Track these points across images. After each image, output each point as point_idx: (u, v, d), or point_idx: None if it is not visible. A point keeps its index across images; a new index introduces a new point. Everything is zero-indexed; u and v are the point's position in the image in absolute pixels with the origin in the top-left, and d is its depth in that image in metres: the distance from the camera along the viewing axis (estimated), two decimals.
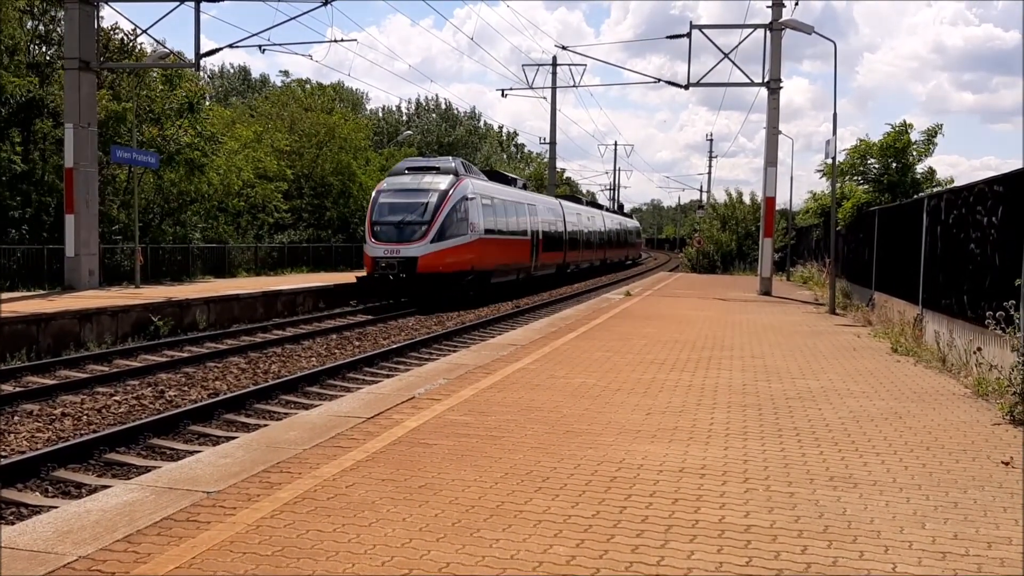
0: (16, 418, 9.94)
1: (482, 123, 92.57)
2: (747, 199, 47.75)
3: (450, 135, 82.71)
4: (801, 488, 5.65)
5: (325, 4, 23.74)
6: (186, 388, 11.90)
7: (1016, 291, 9.07)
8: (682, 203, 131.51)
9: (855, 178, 26.34)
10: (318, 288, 24.73)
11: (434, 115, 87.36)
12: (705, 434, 7.12)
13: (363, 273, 25.48)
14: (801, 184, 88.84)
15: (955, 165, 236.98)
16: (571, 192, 70.46)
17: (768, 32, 25.34)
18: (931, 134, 25.24)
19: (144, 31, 25.28)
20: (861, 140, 26.13)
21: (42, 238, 24.15)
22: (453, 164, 26.93)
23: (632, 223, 72.42)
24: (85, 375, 12.74)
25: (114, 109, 26.22)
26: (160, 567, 4.10)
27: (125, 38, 28.34)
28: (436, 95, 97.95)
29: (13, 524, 5.29)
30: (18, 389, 11.53)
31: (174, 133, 28.20)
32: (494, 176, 33.05)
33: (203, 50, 23.37)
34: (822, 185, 37.13)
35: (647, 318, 17.36)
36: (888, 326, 15.55)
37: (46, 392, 11.31)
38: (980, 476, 6.06)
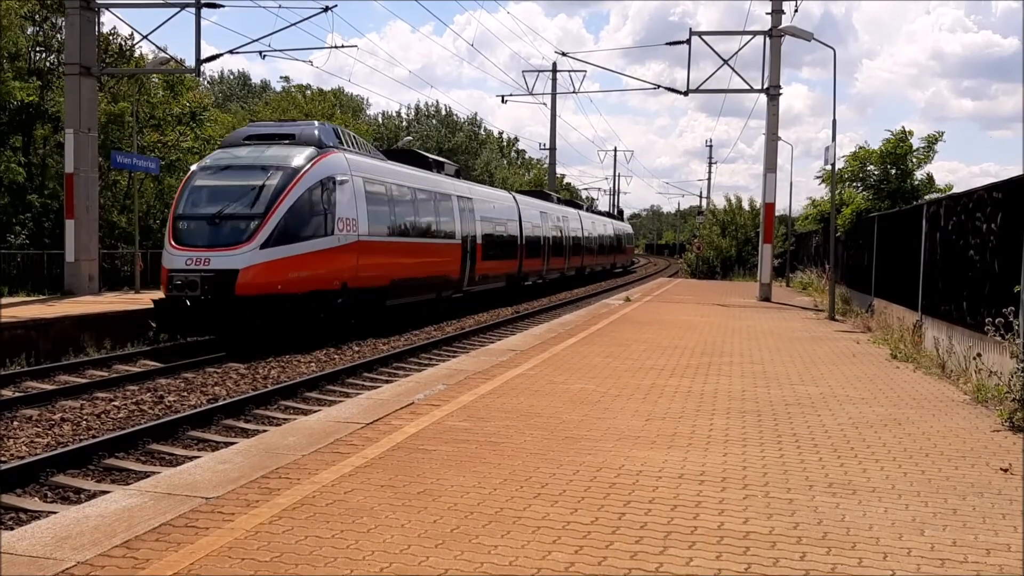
0: (15, 423, 9.94)
1: (482, 129, 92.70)
2: (747, 205, 47.81)
3: (450, 141, 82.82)
4: (800, 494, 5.65)
5: (326, 10, 23.82)
6: (185, 393, 11.90)
7: (1015, 297, 9.08)
8: (682, 209, 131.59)
9: (854, 184, 26.40)
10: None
11: (434, 121, 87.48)
12: (704, 440, 7.12)
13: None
14: (800, 190, 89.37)
15: (954, 171, 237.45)
16: (571, 197, 69.39)
17: (768, 39, 25.39)
18: (931, 141, 25.32)
19: (145, 37, 25.41)
20: (861, 147, 26.22)
21: (42, 243, 24.17)
22: (316, 131, 18.10)
23: (621, 226, 64.02)
24: (84, 380, 12.74)
25: (112, 112, 26.28)
26: (159, 573, 4.10)
27: (124, 44, 28.39)
28: (436, 101, 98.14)
29: (12, 529, 5.29)
30: (18, 394, 11.53)
31: (175, 139, 28.26)
32: (400, 156, 23.87)
33: (204, 56, 23.41)
34: (821, 191, 37.19)
35: (647, 323, 17.37)
36: (887, 332, 15.56)
37: (45, 397, 11.31)
38: (979, 483, 6.06)
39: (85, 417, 10.35)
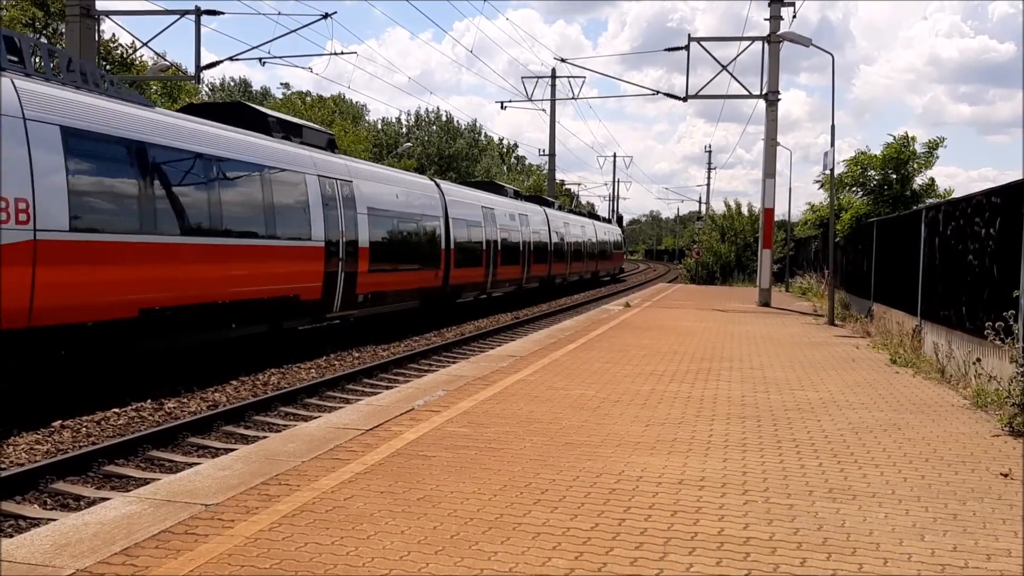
0: (15, 430, 9.92)
1: (483, 136, 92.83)
2: (746, 210, 47.86)
3: (451, 147, 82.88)
4: (800, 500, 5.65)
5: (325, 17, 23.89)
6: (185, 400, 11.89)
7: (1015, 302, 9.09)
8: (681, 214, 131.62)
9: (854, 189, 26.43)
10: None
11: (434, 127, 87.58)
12: (704, 446, 7.12)
13: None
14: (799, 195, 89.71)
15: (952, 176, 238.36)
16: (571, 203, 68.96)
17: (766, 45, 25.44)
18: (933, 146, 25.36)
19: (145, 44, 25.43)
20: (861, 152, 26.25)
21: None
22: None
23: (607, 227, 54.49)
24: None
25: None
26: None
27: (125, 52, 28.49)
28: (437, 107, 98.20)
29: (12, 537, 5.28)
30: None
31: None
32: (212, 112, 15.36)
33: (204, 63, 23.47)
34: (821, 196, 37.19)
35: (646, 329, 17.37)
36: (887, 337, 15.56)
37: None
38: (979, 488, 6.05)
39: (85, 424, 10.34)
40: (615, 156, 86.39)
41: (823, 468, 6.49)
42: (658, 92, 30.50)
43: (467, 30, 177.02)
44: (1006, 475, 6.38)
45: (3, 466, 8.45)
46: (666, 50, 28.44)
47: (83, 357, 11.16)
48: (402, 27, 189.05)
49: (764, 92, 25.76)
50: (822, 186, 28.24)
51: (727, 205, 49.78)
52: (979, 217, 10.99)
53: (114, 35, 37.31)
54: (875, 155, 25.62)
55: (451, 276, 23.60)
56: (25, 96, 10.19)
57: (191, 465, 8.08)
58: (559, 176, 62.42)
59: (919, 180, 25.42)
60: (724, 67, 26.20)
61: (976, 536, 5.03)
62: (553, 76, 46.54)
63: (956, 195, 16.72)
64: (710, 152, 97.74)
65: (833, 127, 24.99)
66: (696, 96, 27.13)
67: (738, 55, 26.15)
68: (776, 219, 28.94)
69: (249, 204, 14.46)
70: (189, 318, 12.85)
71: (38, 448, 9.21)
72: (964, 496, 5.84)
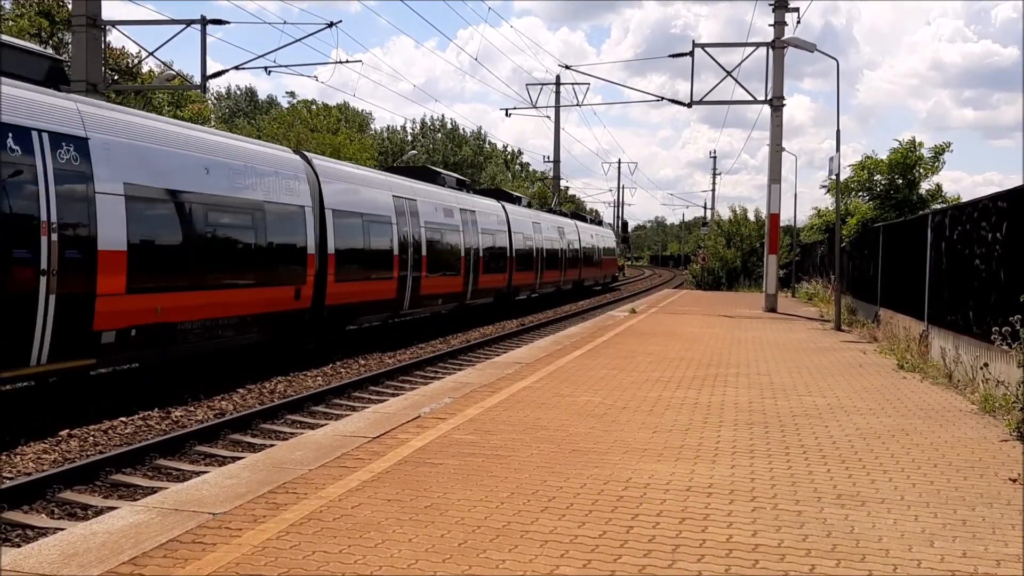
0: (22, 439, 9.94)
1: (487, 143, 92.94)
2: (751, 216, 47.80)
3: (456, 155, 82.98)
4: (809, 506, 5.63)
5: (330, 26, 23.95)
6: (192, 408, 11.90)
7: (1022, 306, 9.05)
8: (686, 220, 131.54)
9: (860, 194, 26.41)
10: None
11: (439, 135, 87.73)
12: (712, 452, 7.10)
13: None
14: (804, 201, 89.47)
15: (958, 181, 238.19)
16: (576, 209, 68.22)
17: (771, 50, 25.44)
18: (939, 151, 25.34)
19: (151, 54, 25.52)
20: (867, 156, 26.23)
21: None
22: None
23: (595, 229, 47.14)
24: None
25: None
26: None
27: (131, 62, 28.64)
28: (442, 115, 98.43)
29: (19, 547, 5.29)
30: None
31: None
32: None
33: (209, 72, 23.57)
34: (826, 201, 37.15)
35: (652, 335, 17.34)
36: (894, 342, 15.51)
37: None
38: (988, 493, 6.03)
39: (92, 432, 10.36)
40: (619, 162, 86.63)
41: (831, 474, 6.47)
42: (663, 98, 30.59)
43: (471, 38, 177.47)
44: (1015, 480, 6.35)
45: (10, 476, 8.46)
46: (671, 56, 28.36)
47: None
48: (407, 35, 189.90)
49: (769, 97, 25.76)
50: (828, 191, 28.22)
51: (732, 211, 49.73)
52: (985, 221, 10.96)
53: (123, 48, 37.52)
54: (881, 160, 25.60)
55: (329, 287, 16.50)
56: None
57: (198, 474, 8.08)
58: (564, 183, 62.31)
59: (925, 185, 25.41)
60: (729, 73, 26.24)
61: (986, 542, 5.00)
62: (557, 83, 46.60)
63: (961, 200, 16.68)
64: (715, 158, 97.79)
65: (838, 132, 24.84)
66: (701, 102, 27.15)
67: (742, 61, 26.25)
68: (782, 224, 28.91)
69: None
70: None
71: (45, 457, 9.23)
72: (973, 501, 5.81)
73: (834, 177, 21.39)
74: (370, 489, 5.82)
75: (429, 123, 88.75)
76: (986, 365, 9.96)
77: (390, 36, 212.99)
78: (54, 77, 11.55)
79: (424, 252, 21.16)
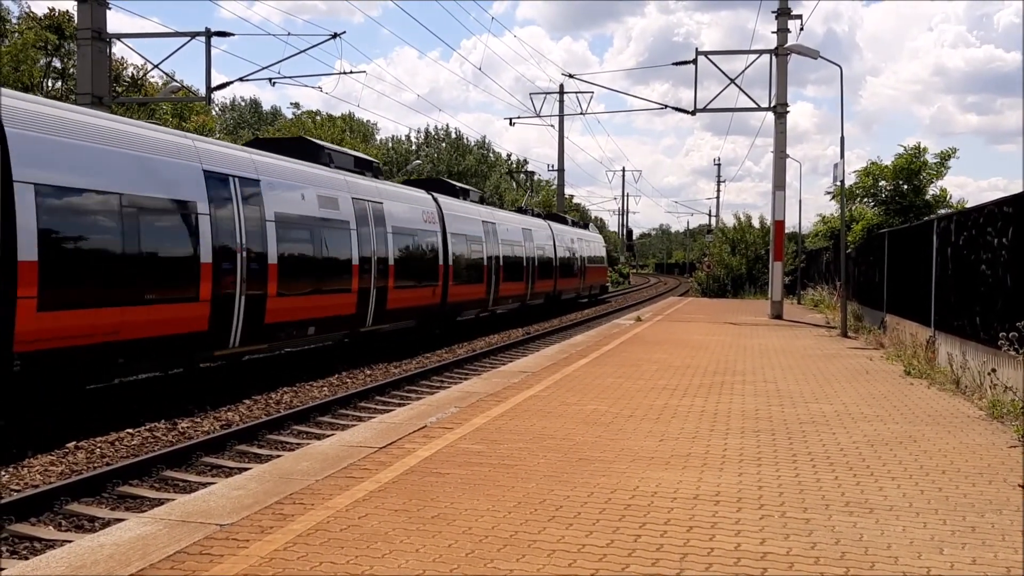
0: (29, 451, 9.95)
1: (491, 153, 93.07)
2: (756, 223, 47.77)
3: (460, 164, 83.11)
4: (817, 514, 5.61)
5: (334, 37, 24.05)
6: (198, 419, 11.91)
7: None
8: (691, 227, 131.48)
9: (866, 200, 26.40)
10: None
11: (443, 144, 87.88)
12: (719, 460, 7.08)
13: None
14: (809, 207, 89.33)
15: (962, 186, 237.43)
16: (581, 218, 67.94)
17: (774, 57, 25.46)
18: (945, 157, 25.35)
19: (156, 66, 25.63)
20: (873, 162, 26.24)
21: None
22: None
23: (577, 234, 40.30)
24: None
25: None
26: None
27: (136, 75, 28.78)
28: (446, 124, 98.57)
29: (27, 559, 5.29)
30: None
31: None
32: None
33: (214, 83, 23.65)
34: (831, 208, 37.11)
35: (658, 343, 17.32)
36: (900, 348, 15.47)
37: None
38: (997, 500, 6.00)
39: (99, 444, 10.37)
40: (624, 170, 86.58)
41: (839, 481, 6.44)
42: (666, 106, 30.56)
43: (474, 48, 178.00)
44: None
45: (18, 488, 8.47)
46: (674, 64, 28.37)
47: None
48: (410, 46, 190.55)
49: (772, 105, 25.77)
50: (833, 197, 28.21)
51: (737, 218, 49.72)
52: (991, 227, 10.94)
53: (125, 58, 37.68)
54: (886, 165, 25.60)
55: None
56: None
57: (205, 485, 8.08)
58: (568, 191, 62.30)
59: (931, 190, 25.40)
60: (732, 80, 26.24)
61: (995, 549, 4.98)
62: (561, 92, 46.66)
63: (968, 205, 16.65)
64: (719, 165, 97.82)
65: (843, 138, 24.84)
66: (704, 110, 27.16)
67: (746, 68, 26.24)
68: (787, 231, 28.89)
69: None
70: None
71: (52, 469, 9.24)
72: (983, 508, 5.79)
73: (839, 183, 21.38)
74: (377, 499, 5.81)
75: (433, 133, 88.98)
76: (993, 371, 9.93)
77: (394, 47, 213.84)
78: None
79: (285, 260, 15.02)
